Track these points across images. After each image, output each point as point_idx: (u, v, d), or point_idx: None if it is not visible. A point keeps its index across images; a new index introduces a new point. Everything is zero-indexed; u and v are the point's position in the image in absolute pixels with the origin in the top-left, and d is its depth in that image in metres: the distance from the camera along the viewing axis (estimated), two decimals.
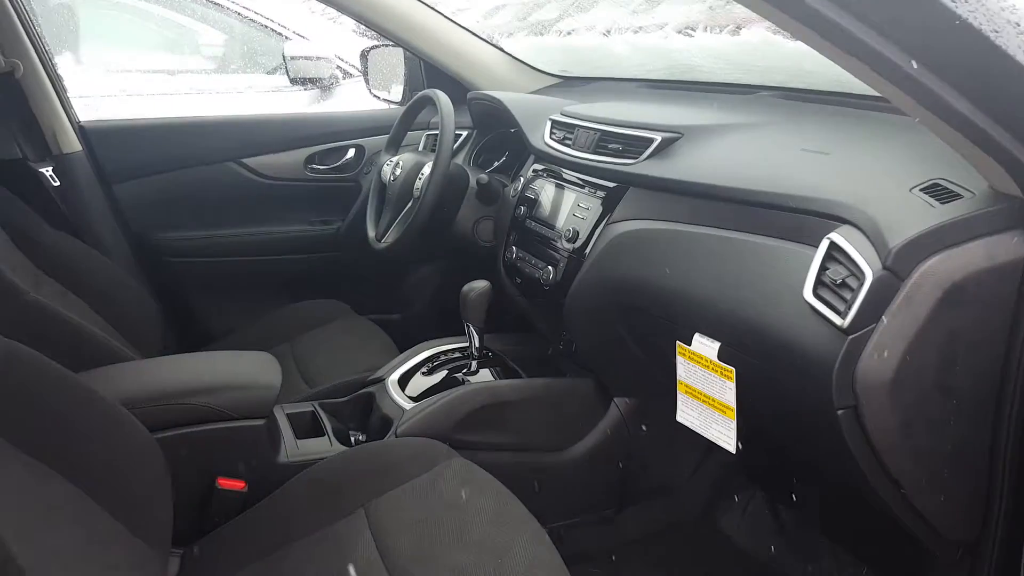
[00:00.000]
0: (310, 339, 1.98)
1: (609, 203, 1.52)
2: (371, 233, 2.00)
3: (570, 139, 1.70)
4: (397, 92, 2.42)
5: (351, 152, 2.30)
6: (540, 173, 1.78)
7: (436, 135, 2.23)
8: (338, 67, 2.91)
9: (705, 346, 1.25)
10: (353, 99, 2.70)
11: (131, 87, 2.66)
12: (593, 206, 1.55)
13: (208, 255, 2.21)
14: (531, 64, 2.35)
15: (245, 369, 1.41)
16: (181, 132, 2.15)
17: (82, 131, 2.01)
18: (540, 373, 1.70)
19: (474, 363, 1.68)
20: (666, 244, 1.37)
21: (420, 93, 1.96)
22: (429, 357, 1.74)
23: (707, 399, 1.28)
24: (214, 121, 2.19)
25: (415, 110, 2.02)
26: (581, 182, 1.62)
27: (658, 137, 1.46)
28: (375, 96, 2.47)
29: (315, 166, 2.28)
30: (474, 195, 1.91)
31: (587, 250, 1.53)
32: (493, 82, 2.26)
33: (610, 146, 1.56)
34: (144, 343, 1.72)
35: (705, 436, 1.30)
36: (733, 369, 1.21)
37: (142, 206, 2.10)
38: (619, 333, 1.53)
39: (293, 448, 1.45)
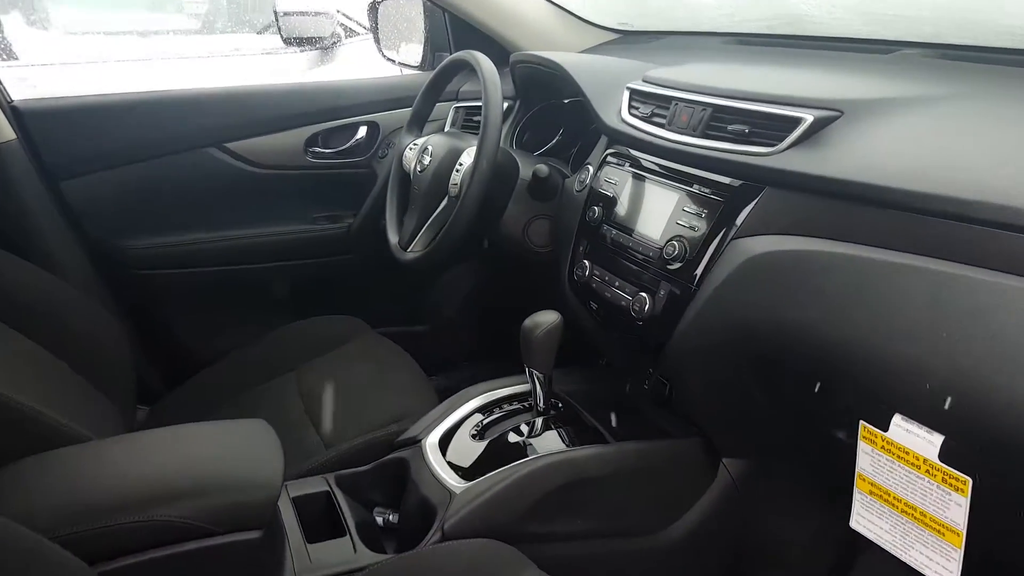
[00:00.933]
0: (320, 368, 1.57)
1: (732, 209, 1.09)
2: (393, 239, 1.57)
3: (662, 116, 1.26)
4: (415, 54, 1.98)
5: (362, 131, 1.86)
6: (618, 162, 1.34)
7: (469, 108, 1.81)
8: (341, 24, 2.45)
9: (916, 437, 0.84)
10: (360, 63, 2.24)
11: (90, 52, 2.19)
12: (707, 212, 1.12)
13: (187, 265, 1.77)
14: (580, 16, 1.89)
15: (233, 457, 1.00)
16: (148, 111, 1.69)
17: (16, 114, 1.57)
18: (626, 429, 1.29)
19: (539, 420, 1.27)
20: (836, 275, 0.95)
21: (452, 57, 1.51)
22: (479, 409, 1.32)
23: (911, 510, 0.88)
24: (190, 96, 1.73)
25: (445, 78, 1.57)
26: (685, 177, 1.19)
27: (809, 116, 1.03)
28: (388, 59, 2.02)
29: (318, 150, 1.84)
30: (525, 189, 1.48)
31: (699, 273, 1.10)
32: (535, 39, 1.82)
33: (730, 127, 1.13)
34: (110, 385, 1.31)
35: (902, 559, 0.90)
36: (968, 480, 0.80)
37: (100, 207, 1.66)
38: (747, 388, 1.12)
39: (304, 561, 1.05)
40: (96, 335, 1.36)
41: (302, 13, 2.42)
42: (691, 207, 1.15)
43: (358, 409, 1.41)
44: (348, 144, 1.85)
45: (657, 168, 1.25)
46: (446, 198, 1.45)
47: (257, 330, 1.70)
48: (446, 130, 1.80)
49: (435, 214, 1.47)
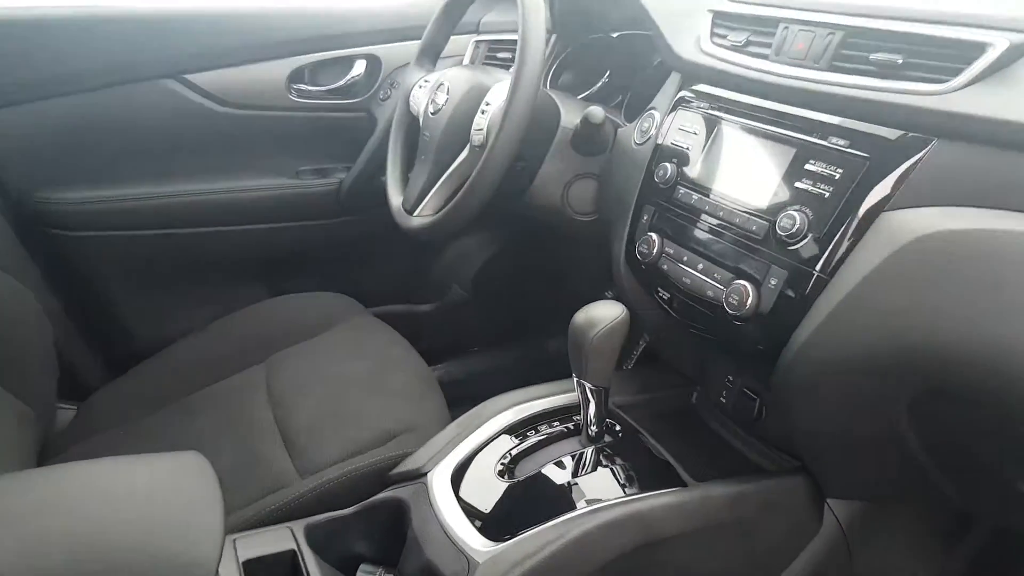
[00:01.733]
0: (297, 359, 1.24)
1: (880, 168, 0.77)
2: (395, 199, 1.24)
3: (764, 43, 0.94)
4: None
5: (360, 66, 1.51)
6: (700, 105, 1.01)
7: (495, 43, 1.47)
8: None
9: None
10: None
11: None
12: (842, 173, 0.80)
13: (132, 226, 1.43)
14: None
15: (149, 524, 0.67)
16: (85, 30, 1.32)
17: None
18: (706, 461, 0.98)
19: (590, 450, 0.95)
20: None
21: None
22: (506, 431, 1.00)
23: None
24: (142, 14, 1.37)
25: (463, 2, 1.24)
26: (805, 125, 0.86)
27: (1001, 41, 0.72)
28: None
29: (304, 87, 1.49)
30: (567, 141, 1.15)
31: (833, 258, 0.79)
32: None
33: (874, 57, 0.81)
34: (21, 378, 0.99)
35: None
36: None
37: (16, 150, 1.31)
38: (892, 423, 0.81)
39: None
40: (4, 313, 1.02)
41: None
42: (816, 165, 0.83)
43: (344, 420, 1.09)
44: (342, 81, 1.50)
45: (760, 113, 0.92)
46: (467, 148, 1.12)
47: (219, 310, 1.37)
48: (469, 65, 1.47)
49: (452, 168, 1.14)
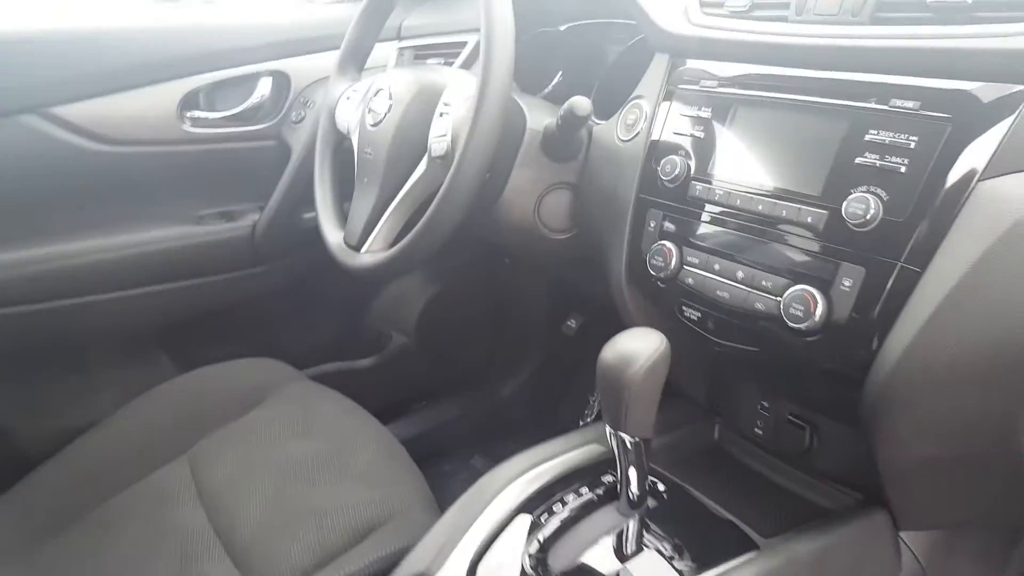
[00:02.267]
0: (226, 448, 1.00)
1: (966, 131, 0.62)
2: (332, 237, 1.03)
3: (774, 3, 0.79)
4: None
5: (264, 84, 1.29)
6: (704, 85, 0.85)
7: (422, 48, 1.29)
8: None
9: None
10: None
11: None
12: (918, 140, 0.66)
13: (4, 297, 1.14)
14: None
15: None
16: None
17: None
18: (764, 509, 0.80)
19: (632, 522, 0.75)
20: None
21: None
22: (523, 508, 0.79)
23: None
24: None
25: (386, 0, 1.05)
26: (853, 90, 0.71)
27: None
28: None
29: (199, 114, 1.25)
30: (537, 146, 0.97)
31: (926, 247, 0.63)
32: None
33: (932, 0, 0.66)
34: None
35: None
36: None
37: None
38: (1009, 442, 0.66)
39: None
40: None
41: None
42: (881, 135, 0.68)
43: (301, 520, 0.85)
44: (245, 104, 1.27)
45: (790, 84, 0.77)
46: (423, 161, 0.92)
47: (120, 395, 1.10)
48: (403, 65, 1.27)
49: (407, 188, 0.94)
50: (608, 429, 0.74)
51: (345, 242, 1.00)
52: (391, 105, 0.95)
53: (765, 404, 0.92)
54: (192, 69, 1.19)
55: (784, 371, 0.80)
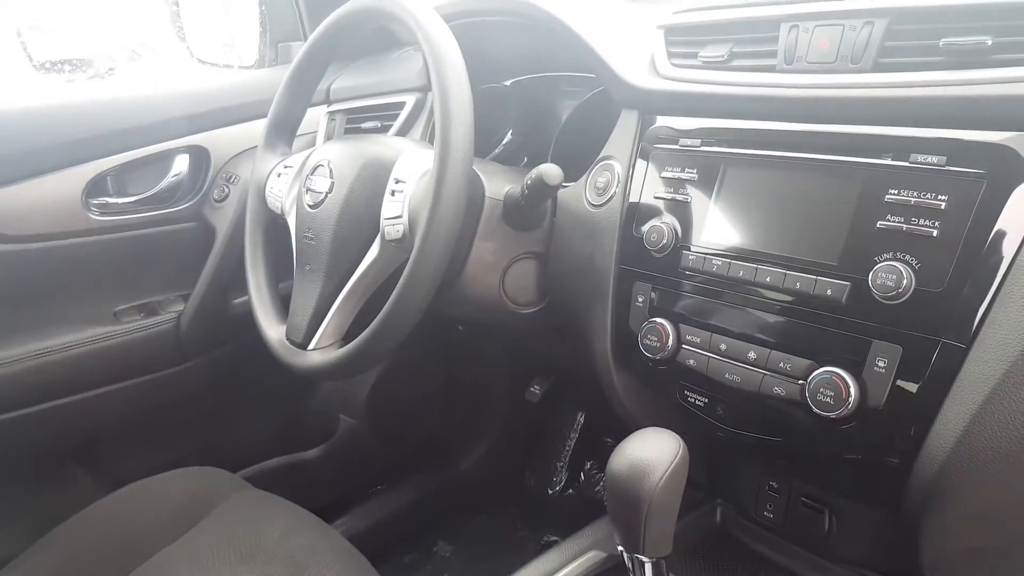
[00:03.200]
0: None
1: (1004, 187, 0.56)
2: (272, 332, 0.91)
3: (757, 52, 0.72)
4: (247, 52, 1.32)
5: (181, 162, 1.15)
6: (684, 143, 0.77)
7: (355, 112, 1.18)
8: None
9: None
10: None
11: None
12: (949, 200, 0.58)
13: None
14: None
15: None
16: None
17: None
18: None
19: None
20: None
21: (350, 6, 0.87)
22: None
23: None
24: None
25: (325, 49, 0.94)
26: (865, 144, 0.64)
27: None
28: (203, 62, 1.34)
29: (107, 200, 1.10)
30: (498, 216, 0.87)
31: (972, 320, 0.56)
32: None
33: (947, 43, 0.61)
34: None
35: None
36: None
37: None
38: None
39: None
40: None
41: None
42: (903, 195, 0.61)
43: None
44: (160, 186, 1.13)
45: (789, 139, 0.69)
46: (375, 245, 0.81)
47: (34, 524, 0.94)
48: (341, 136, 1.16)
49: (357, 275, 0.82)
50: (621, 550, 0.64)
51: (288, 338, 0.88)
52: (333, 183, 0.84)
53: (774, 485, 0.84)
54: (97, 151, 1.05)
55: (808, 459, 0.71)
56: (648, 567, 0.62)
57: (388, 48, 1.28)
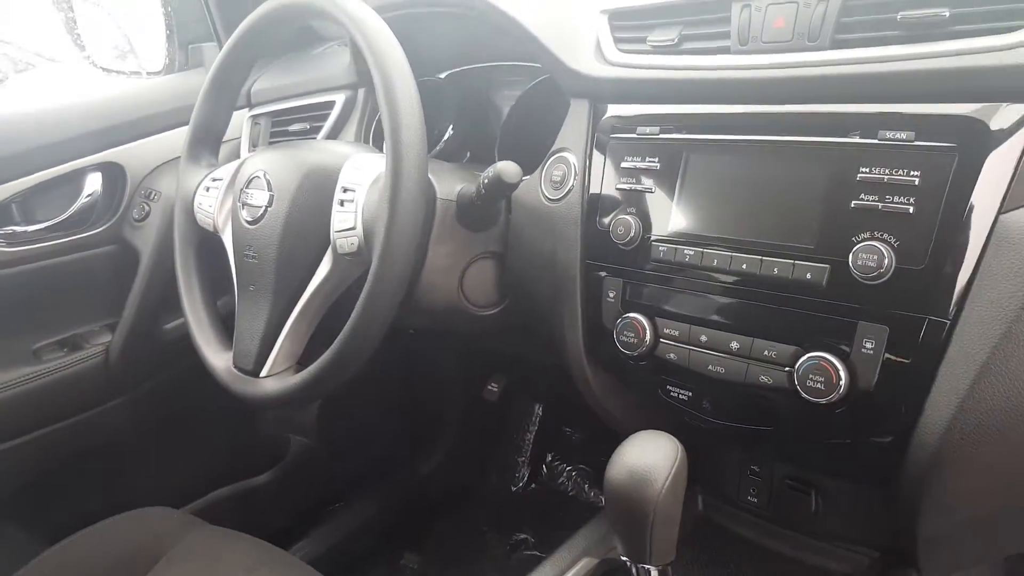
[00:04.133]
0: None
1: (975, 160, 0.56)
2: (217, 361, 0.85)
3: (708, 35, 0.70)
4: (154, 56, 1.23)
5: (93, 181, 1.06)
6: (642, 131, 0.75)
7: (280, 115, 1.12)
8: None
9: None
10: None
11: None
12: (922, 176, 0.58)
13: None
14: None
15: None
16: None
17: None
18: None
19: None
20: None
21: (271, 4, 0.81)
22: None
23: None
24: None
25: (243, 61, 0.88)
26: (830, 123, 0.63)
27: None
28: (105, 70, 1.24)
29: (15, 229, 1.01)
30: (452, 217, 0.83)
31: (954, 295, 0.56)
32: None
33: (905, 15, 0.60)
34: None
35: None
36: None
37: None
38: None
39: None
40: None
41: None
42: (875, 173, 0.60)
43: None
44: (73, 209, 1.04)
45: (751, 122, 0.68)
46: (326, 260, 0.76)
47: None
48: (272, 143, 1.10)
49: (308, 294, 0.77)
50: (626, 561, 0.62)
51: (236, 366, 0.82)
52: (272, 196, 0.79)
53: (756, 469, 0.83)
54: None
55: (796, 444, 0.71)
56: (654, 573, 0.61)
57: (309, 44, 1.22)
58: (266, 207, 0.79)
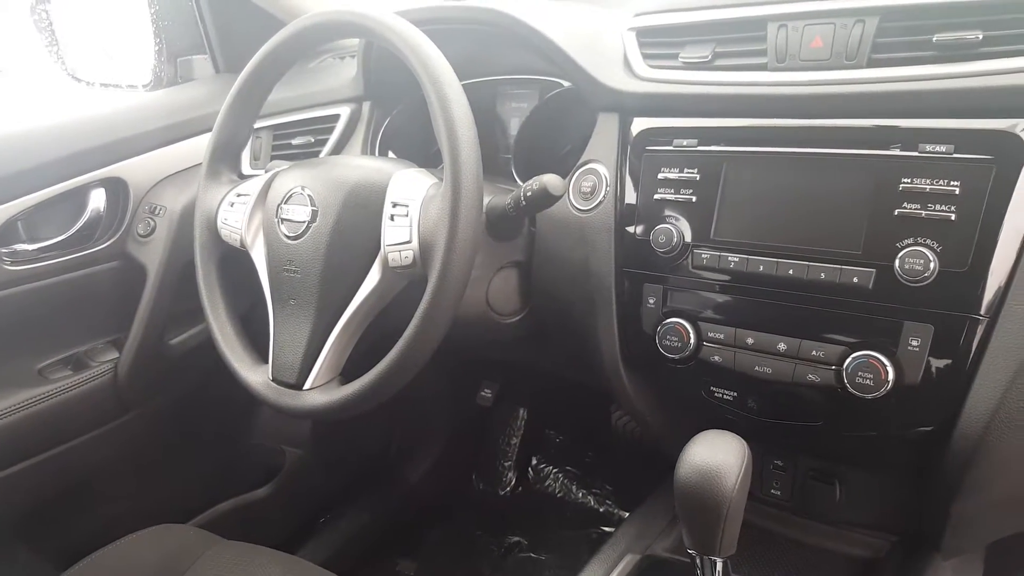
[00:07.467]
0: None
1: (1013, 170, 0.61)
2: (253, 377, 0.84)
3: (743, 52, 0.74)
4: (138, 67, 1.20)
5: (97, 197, 1.03)
6: (679, 143, 0.78)
7: (282, 128, 1.12)
8: None
9: None
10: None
11: None
12: (963, 186, 0.63)
13: None
14: None
15: None
16: None
17: None
18: None
19: None
20: None
21: (314, 17, 0.81)
22: None
23: None
24: None
25: (271, 76, 0.87)
26: (871, 137, 0.68)
27: None
28: (88, 84, 1.21)
29: (18, 248, 0.97)
30: (481, 230, 0.84)
31: (995, 296, 0.61)
32: None
33: (940, 38, 0.65)
34: None
35: None
36: None
37: None
38: None
39: None
40: None
41: None
42: (918, 183, 0.65)
43: None
44: (77, 226, 1.01)
45: (789, 135, 0.72)
46: (375, 270, 0.77)
47: None
48: (271, 157, 1.09)
49: (355, 305, 0.77)
50: (692, 553, 0.64)
51: (276, 379, 0.82)
52: (315, 212, 0.79)
53: (779, 463, 0.88)
54: (4, 195, 0.92)
55: (843, 438, 0.75)
56: (719, 565, 0.64)
57: (304, 58, 1.21)
58: (309, 222, 0.79)
